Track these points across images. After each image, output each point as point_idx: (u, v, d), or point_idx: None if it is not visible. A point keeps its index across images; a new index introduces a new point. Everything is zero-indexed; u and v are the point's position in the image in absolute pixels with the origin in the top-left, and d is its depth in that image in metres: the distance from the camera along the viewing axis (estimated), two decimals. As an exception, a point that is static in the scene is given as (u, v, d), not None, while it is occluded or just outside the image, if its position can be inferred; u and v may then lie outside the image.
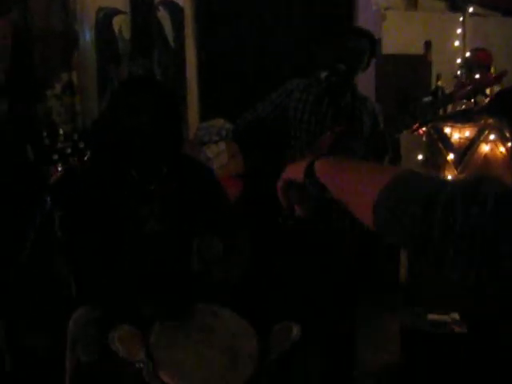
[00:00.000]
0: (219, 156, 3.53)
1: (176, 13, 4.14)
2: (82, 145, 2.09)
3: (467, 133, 3.66)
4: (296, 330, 1.83)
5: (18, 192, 2.88)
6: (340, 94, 2.78)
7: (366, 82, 4.07)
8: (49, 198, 2.85)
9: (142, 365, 1.69)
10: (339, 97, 2.78)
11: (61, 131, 2.09)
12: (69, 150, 2.09)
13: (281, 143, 2.86)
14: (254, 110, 2.88)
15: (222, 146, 3.54)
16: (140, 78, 3.31)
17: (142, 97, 2.07)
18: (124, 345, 1.70)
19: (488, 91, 3.42)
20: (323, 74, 2.77)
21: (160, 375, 1.68)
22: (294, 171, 1.10)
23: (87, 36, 4.02)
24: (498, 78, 2.96)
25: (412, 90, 4.18)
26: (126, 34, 4.06)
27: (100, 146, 2.21)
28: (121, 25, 4.05)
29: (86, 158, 2.15)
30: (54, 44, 3.84)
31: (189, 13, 4.19)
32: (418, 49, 4.28)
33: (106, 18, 4.02)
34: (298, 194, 1.14)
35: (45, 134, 2.12)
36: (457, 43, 4.11)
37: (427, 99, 3.72)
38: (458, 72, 3.97)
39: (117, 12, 4.04)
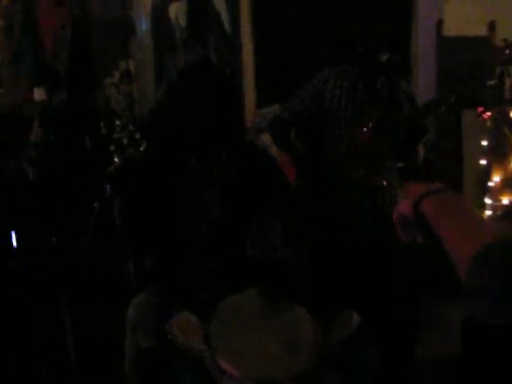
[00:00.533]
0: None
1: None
2: (137, 135, 2.10)
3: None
4: (356, 319, 1.78)
5: (78, 181, 2.93)
6: (374, 78, 2.69)
7: (427, 65, 3.95)
8: (108, 187, 2.89)
9: (200, 352, 1.69)
10: (373, 81, 2.70)
11: (117, 122, 2.10)
12: (125, 141, 2.10)
13: (321, 132, 2.79)
14: (291, 104, 2.80)
15: (279, 132, 3.49)
16: (198, 65, 3.30)
17: (201, 83, 2.08)
18: (182, 332, 1.70)
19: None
20: (384, 57, 2.68)
21: (219, 362, 1.67)
22: (405, 207, 1.13)
23: (144, 24, 4.04)
24: None
25: (474, 73, 4.02)
26: (182, 21, 4.06)
27: (158, 135, 2.23)
28: (177, 12, 4.05)
29: (141, 149, 2.16)
30: (111, 32, 3.88)
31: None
32: (481, 30, 4.11)
33: (162, 5, 4.03)
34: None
35: (102, 124, 2.14)
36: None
37: (492, 82, 3.57)
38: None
39: (173, -1, 4.04)
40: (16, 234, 2.57)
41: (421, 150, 2.70)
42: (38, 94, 1.41)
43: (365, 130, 2.57)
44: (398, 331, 2.78)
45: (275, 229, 2.22)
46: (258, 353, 1.73)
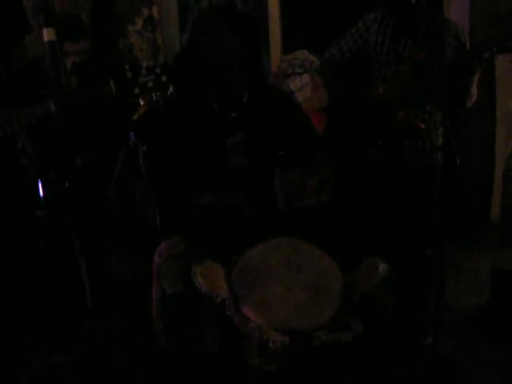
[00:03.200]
0: (303, 89, 3.43)
1: None
2: (164, 78, 2.05)
3: None
4: (382, 267, 1.76)
5: (102, 126, 2.92)
6: (415, 24, 2.65)
7: (460, 7, 3.80)
8: (132, 134, 2.87)
9: (224, 299, 1.69)
10: (415, 27, 2.65)
11: (143, 65, 2.04)
12: (150, 84, 2.04)
13: (363, 76, 2.80)
14: (337, 46, 2.82)
15: (306, 78, 3.44)
16: (220, 6, 3.25)
17: (223, 23, 2.05)
18: (206, 280, 1.70)
19: None
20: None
21: (243, 310, 1.67)
22: None
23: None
24: None
25: (509, 17, 3.86)
26: (208, -34, 3.95)
27: (183, 78, 2.19)
28: (202, -45, 3.93)
29: (168, 92, 2.12)
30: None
31: None
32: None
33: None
34: None
35: (127, 67, 2.08)
36: None
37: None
38: None
39: None
40: (42, 183, 2.58)
41: (474, 90, 2.64)
42: (47, 34, 1.37)
43: (405, 74, 2.57)
44: (423, 275, 2.77)
45: (300, 177, 2.19)
46: (284, 301, 1.73)
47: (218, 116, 2.19)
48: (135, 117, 2.83)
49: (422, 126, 2.63)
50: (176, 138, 2.25)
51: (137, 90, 2.08)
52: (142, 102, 2.19)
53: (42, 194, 2.65)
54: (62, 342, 2.76)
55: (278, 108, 2.25)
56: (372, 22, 2.76)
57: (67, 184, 2.67)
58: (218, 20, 2.08)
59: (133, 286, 2.92)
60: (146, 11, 3.79)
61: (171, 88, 2.12)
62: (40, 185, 2.65)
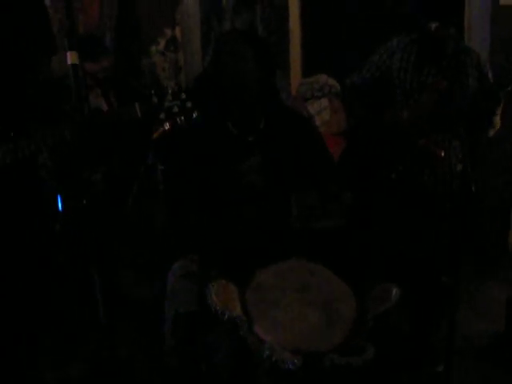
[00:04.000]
0: (321, 112, 3.45)
1: (280, -34, 4.04)
2: (189, 104, 2.08)
3: None
4: (396, 292, 1.76)
5: (125, 148, 2.96)
6: (438, 52, 2.67)
7: (480, 34, 3.80)
8: (151, 153, 2.91)
9: (237, 319, 1.69)
10: (439, 54, 2.67)
11: (169, 90, 2.08)
12: (176, 109, 2.08)
13: (384, 102, 2.82)
14: (359, 71, 2.85)
15: (325, 102, 3.46)
16: (241, 30, 3.31)
17: (244, 48, 2.08)
18: (220, 299, 1.70)
19: None
20: (433, 25, 2.61)
21: (255, 330, 1.67)
22: None
23: (191, -10, 4.01)
24: None
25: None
26: (230, -12, 4.02)
27: (204, 102, 2.23)
28: (225, -21, 4.00)
29: (192, 117, 2.15)
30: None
31: (292, -34, 4.07)
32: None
33: (210, -28, 3.99)
34: None
35: (153, 91, 2.12)
36: None
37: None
38: None
39: (221, -34, 3.99)
40: (62, 198, 2.63)
41: (497, 121, 2.66)
42: (71, 57, 1.40)
43: (428, 102, 2.59)
44: (437, 302, 2.75)
45: (315, 200, 2.20)
46: (297, 323, 1.73)
47: (235, 139, 2.21)
48: (155, 136, 2.88)
49: (442, 154, 2.63)
50: (193, 158, 2.27)
51: (162, 115, 2.12)
52: (166, 127, 2.22)
53: (60, 208, 2.70)
54: (76, 354, 2.77)
55: (295, 131, 2.27)
56: (395, 48, 2.76)
57: (85, 201, 2.71)
58: (240, 44, 2.11)
59: (147, 304, 2.93)
60: (169, 32, 3.86)
61: (195, 113, 2.16)
62: (59, 199, 2.70)
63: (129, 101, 2.21)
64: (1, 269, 2.19)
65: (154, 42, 3.81)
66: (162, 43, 3.83)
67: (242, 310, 1.72)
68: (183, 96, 2.05)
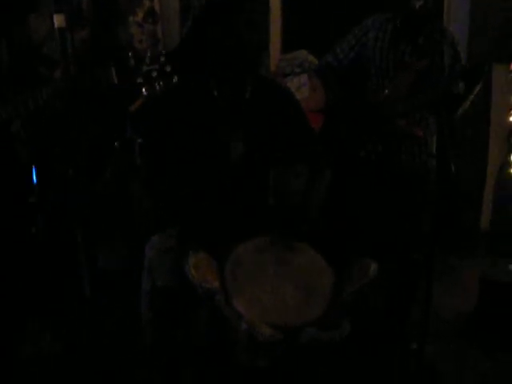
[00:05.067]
0: (301, 89, 3.43)
1: None
2: (168, 68, 2.01)
3: None
4: (373, 268, 1.77)
5: (101, 116, 2.90)
6: (416, 30, 2.67)
7: (460, 15, 3.82)
8: (129, 126, 2.86)
9: (214, 292, 1.69)
10: (415, 33, 2.67)
11: (148, 53, 2.00)
12: (154, 73, 2.00)
13: (359, 82, 2.82)
14: (334, 52, 2.84)
15: (304, 78, 3.44)
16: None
17: (231, 10, 2.05)
18: (199, 272, 1.70)
19: None
20: (417, 3, 2.61)
21: (233, 305, 1.67)
22: None
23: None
24: None
25: (507, 29, 3.88)
26: (208, -42, 3.94)
27: (187, 67, 2.17)
28: None
29: (173, 81, 2.08)
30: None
31: None
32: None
33: None
34: None
35: (130, 54, 2.04)
36: None
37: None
38: None
39: None
40: (36, 170, 2.57)
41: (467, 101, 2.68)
42: (58, 20, 1.35)
43: (405, 81, 2.58)
44: (410, 279, 2.78)
45: (295, 175, 2.20)
46: (275, 297, 1.73)
47: (220, 107, 2.18)
48: (132, 108, 2.82)
49: (421, 134, 2.65)
50: (175, 128, 2.23)
51: (140, 79, 2.04)
52: (144, 92, 2.15)
53: (35, 180, 2.64)
54: (53, 330, 2.74)
55: (279, 104, 2.25)
56: (370, 27, 2.76)
57: (71, 171, 2.65)
58: (256, 14, 2.08)
59: (122, 276, 2.91)
60: (147, 3, 3.77)
61: (175, 78, 2.09)
62: (34, 171, 2.64)
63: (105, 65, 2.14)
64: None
65: (132, 12, 3.72)
66: (140, 14, 3.76)
67: (220, 284, 1.71)
68: (162, 59, 1.97)
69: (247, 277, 1.78)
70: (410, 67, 2.64)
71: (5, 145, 2.41)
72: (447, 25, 3.81)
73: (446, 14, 3.96)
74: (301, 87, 3.44)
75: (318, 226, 2.18)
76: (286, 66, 3.56)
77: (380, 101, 2.67)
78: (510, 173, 3.89)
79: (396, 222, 2.72)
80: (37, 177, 2.59)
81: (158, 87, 2.09)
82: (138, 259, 2.29)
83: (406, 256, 2.75)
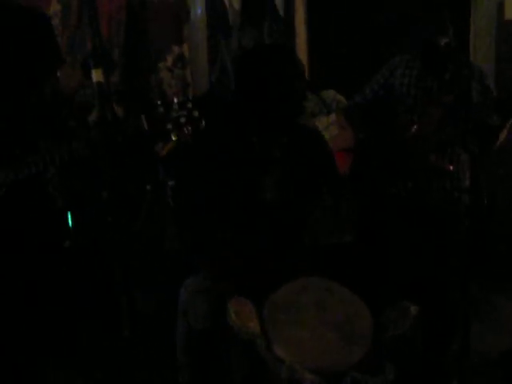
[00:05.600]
0: (329, 128, 3.46)
1: (286, -17, 4.09)
2: (196, 113, 2.05)
3: None
4: (414, 311, 1.75)
5: (133, 162, 2.96)
6: (442, 66, 2.70)
7: (486, 48, 3.83)
8: (161, 169, 2.91)
9: (256, 338, 1.68)
10: (441, 69, 2.70)
11: (175, 100, 2.04)
12: (183, 119, 2.04)
13: (389, 119, 2.85)
14: (362, 92, 2.90)
15: (333, 117, 3.47)
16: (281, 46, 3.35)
17: (272, 61, 2.11)
18: (239, 317, 1.70)
19: None
20: (443, 41, 2.64)
21: (273, 350, 1.66)
22: None
23: (198, 8, 4.03)
24: None
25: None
26: (237, 5, 4.05)
27: (219, 113, 2.23)
28: (231, -4, 4.04)
29: (201, 127, 2.12)
30: (166, 17, 3.89)
31: (299, -18, 4.12)
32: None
33: (216, -11, 4.03)
34: None
35: (159, 102, 2.09)
36: None
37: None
38: None
39: (228, -17, 4.03)
40: (72, 214, 2.62)
41: (504, 133, 2.67)
42: (96, 75, 1.40)
43: (434, 116, 2.61)
44: (448, 318, 2.74)
45: (327, 216, 2.21)
46: (315, 341, 1.72)
47: (257, 153, 2.22)
48: (164, 152, 2.88)
49: (451, 168, 2.65)
50: (207, 170, 2.27)
51: (169, 126, 2.08)
52: (174, 138, 2.19)
53: (70, 224, 2.69)
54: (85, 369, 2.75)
55: (313, 148, 2.29)
56: (397, 64, 2.82)
57: (94, 217, 2.69)
58: (287, 65, 2.13)
59: (156, 318, 2.91)
60: (176, 49, 3.88)
61: (203, 123, 2.13)
62: (69, 215, 2.69)
63: (135, 113, 2.19)
64: (12, 285, 2.18)
65: (161, 58, 3.83)
66: (170, 60, 3.86)
67: (260, 328, 1.71)
68: (189, 105, 2.02)
69: (286, 321, 1.77)
70: (438, 102, 2.66)
71: (39, 191, 2.46)
72: (473, 57, 3.83)
73: (472, 47, 3.97)
74: (329, 126, 3.47)
75: (352, 265, 2.17)
76: (314, 106, 3.60)
77: (409, 137, 2.69)
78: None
79: (429, 260, 2.69)
80: (72, 221, 2.64)
81: (186, 132, 2.13)
82: (173, 301, 2.29)
83: (442, 294, 2.71)
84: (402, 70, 2.79)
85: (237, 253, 2.15)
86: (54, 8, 3.88)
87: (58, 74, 2.47)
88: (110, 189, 2.83)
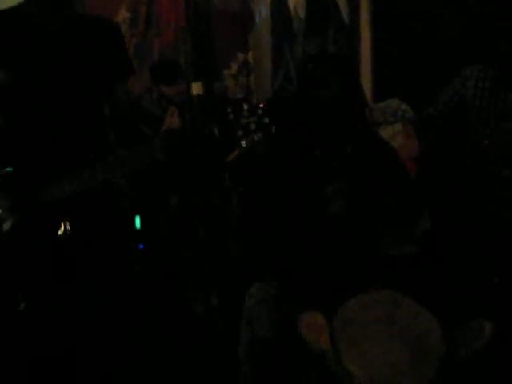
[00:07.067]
0: (394, 137, 3.42)
1: (352, -10, 4.08)
2: (266, 120, 2.06)
3: None
4: (488, 330, 1.71)
5: (202, 169, 3.00)
6: None
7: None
8: (228, 176, 2.94)
9: (327, 352, 1.68)
10: None
11: (245, 106, 2.05)
12: (253, 126, 2.06)
13: (460, 130, 2.81)
14: (434, 104, 2.87)
15: (398, 127, 3.42)
16: (329, 53, 3.35)
17: (332, 71, 2.10)
18: (310, 330, 1.70)
19: None
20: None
21: (344, 364, 1.66)
22: None
23: (263, 16, 4.07)
24: None
25: None
26: (301, 13, 4.06)
27: (285, 122, 2.23)
28: (296, 4, 4.05)
29: (270, 133, 2.13)
30: (231, 25, 3.94)
31: (364, -10, 4.09)
32: None
33: (282, -3, 4.06)
34: None
35: (229, 109, 2.11)
36: None
37: None
38: None
39: (293, -9, 4.06)
40: (141, 219, 2.68)
41: None
42: (196, 88, 1.41)
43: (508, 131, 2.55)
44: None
45: (397, 226, 2.19)
46: (386, 357, 1.70)
47: (321, 164, 2.22)
48: (230, 159, 2.91)
49: None
50: (272, 182, 2.28)
51: (240, 133, 2.10)
52: (244, 144, 2.21)
53: (138, 227, 2.76)
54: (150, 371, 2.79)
55: (380, 157, 2.26)
56: (469, 76, 2.76)
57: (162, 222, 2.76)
58: (327, 72, 2.12)
59: (215, 324, 2.94)
60: (241, 56, 3.92)
61: (273, 129, 2.14)
62: (137, 219, 2.76)
63: (205, 121, 2.23)
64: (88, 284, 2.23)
65: (226, 65, 3.88)
66: (235, 67, 3.90)
67: (331, 342, 1.70)
68: (260, 112, 2.03)
69: (357, 335, 1.76)
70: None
71: (110, 194, 2.52)
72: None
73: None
74: (395, 136, 3.43)
75: (421, 278, 2.14)
76: (378, 115, 3.56)
77: (481, 150, 2.64)
78: None
79: (502, 278, 2.63)
80: (141, 225, 2.71)
81: (256, 138, 2.14)
82: (237, 309, 2.32)
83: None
84: (474, 81, 2.73)
85: (306, 264, 2.15)
86: (123, 15, 4.00)
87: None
88: (179, 195, 2.91)
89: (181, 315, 2.73)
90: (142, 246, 2.71)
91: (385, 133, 3.48)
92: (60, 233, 2.06)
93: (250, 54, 3.95)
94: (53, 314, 2.11)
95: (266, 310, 2.17)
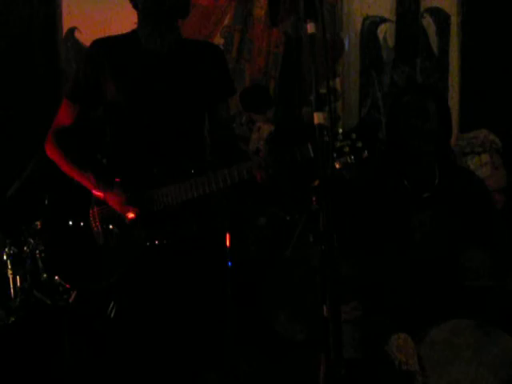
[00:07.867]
0: (482, 168, 3.42)
1: (442, 20, 4.09)
2: (359, 144, 2.13)
3: None
4: None
5: (292, 190, 3.10)
6: None
7: None
8: (313, 199, 3.01)
9: (416, 375, 1.73)
10: None
11: (340, 130, 2.14)
12: (347, 149, 2.13)
13: None
14: None
15: (486, 158, 3.42)
16: (424, 85, 3.40)
17: (430, 104, 2.17)
18: (401, 353, 1.75)
19: None
20: None
21: (432, 387, 1.70)
22: None
23: (352, 44, 4.15)
24: None
25: None
26: (391, 42, 4.12)
27: (378, 149, 2.30)
28: (385, 33, 4.12)
29: (363, 157, 2.20)
30: (320, 51, 4.04)
31: (455, 20, 4.10)
32: None
33: (371, 26, 4.12)
34: None
35: (325, 132, 2.19)
36: None
37: None
38: None
39: (383, 20, 4.12)
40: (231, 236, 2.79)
41: None
42: (318, 118, 1.48)
43: None
44: None
45: (484, 256, 2.21)
46: (473, 383, 1.73)
47: (409, 194, 2.28)
48: (317, 182, 2.98)
49: None
50: (361, 206, 2.35)
51: (334, 155, 2.17)
52: (337, 166, 2.28)
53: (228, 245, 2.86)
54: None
55: (467, 189, 2.30)
56: None
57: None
58: (425, 102, 2.20)
59: (301, 345, 2.98)
60: (330, 83, 4.01)
61: (366, 153, 2.21)
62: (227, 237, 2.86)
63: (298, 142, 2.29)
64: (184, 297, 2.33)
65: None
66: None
67: (418, 364, 1.75)
68: (353, 136, 2.10)
69: (444, 360, 1.80)
70: None
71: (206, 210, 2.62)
72: None
73: None
74: (482, 167, 3.43)
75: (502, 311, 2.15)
76: (465, 146, 3.57)
77: None
78: None
79: None
80: (230, 243, 2.81)
81: (349, 161, 2.21)
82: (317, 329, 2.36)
83: None
84: None
85: (390, 288, 2.20)
86: (218, 41, 4.18)
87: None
88: (268, 215, 3.00)
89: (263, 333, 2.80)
90: (230, 264, 2.81)
91: (471, 163, 3.48)
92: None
93: (338, 80, 4.04)
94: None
95: (349, 331, 2.22)
